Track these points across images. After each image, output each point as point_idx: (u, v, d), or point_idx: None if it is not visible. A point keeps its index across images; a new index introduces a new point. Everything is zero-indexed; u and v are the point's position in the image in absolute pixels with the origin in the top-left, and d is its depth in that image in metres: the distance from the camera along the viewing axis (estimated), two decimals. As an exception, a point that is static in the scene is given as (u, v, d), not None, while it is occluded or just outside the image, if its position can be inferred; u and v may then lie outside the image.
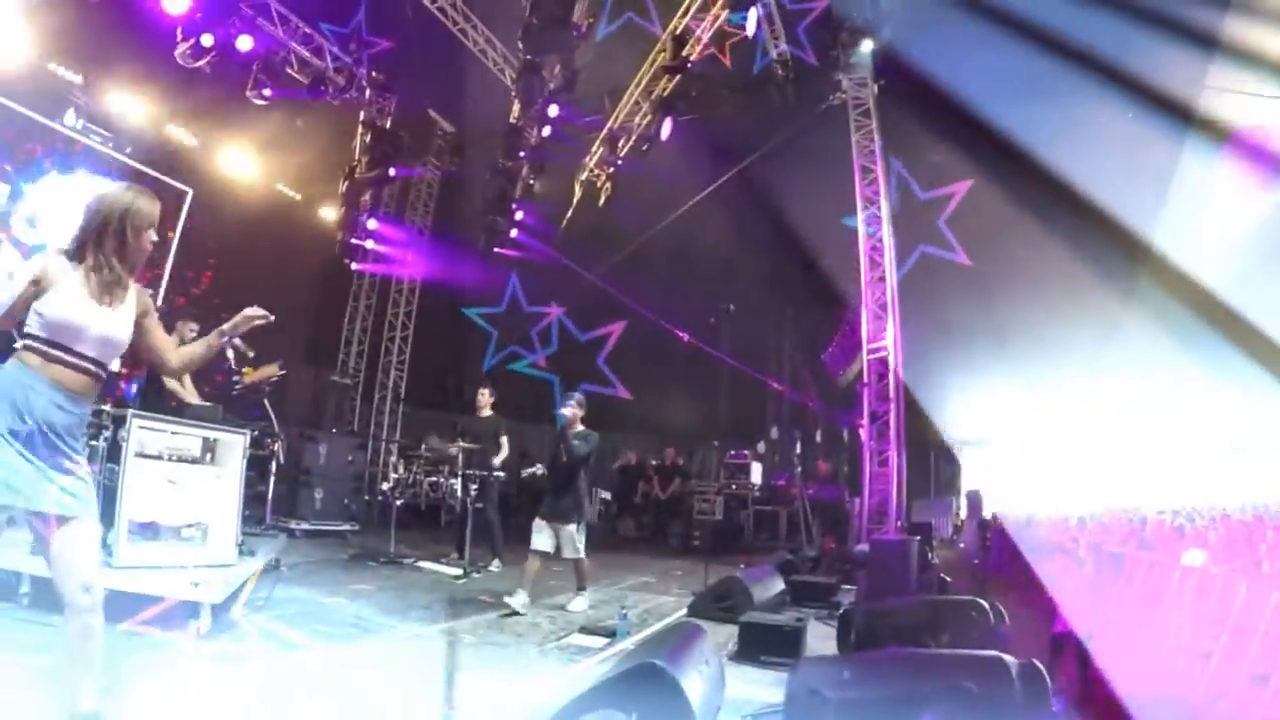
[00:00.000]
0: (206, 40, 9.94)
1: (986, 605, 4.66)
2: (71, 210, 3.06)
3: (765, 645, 5.67)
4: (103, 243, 2.85)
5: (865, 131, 12.37)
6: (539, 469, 7.21)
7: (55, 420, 2.70)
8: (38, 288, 2.73)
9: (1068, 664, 6.62)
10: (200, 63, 9.99)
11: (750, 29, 10.77)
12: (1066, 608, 6.81)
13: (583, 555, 7.05)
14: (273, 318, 3.23)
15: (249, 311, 3.19)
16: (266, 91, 11.12)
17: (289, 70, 11.62)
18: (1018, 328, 14.64)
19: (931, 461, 16.25)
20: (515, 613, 6.40)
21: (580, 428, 7.15)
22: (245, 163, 12.69)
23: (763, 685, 4.89)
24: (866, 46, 11.95)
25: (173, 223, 11.31)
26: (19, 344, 2.74)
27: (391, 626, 5.77)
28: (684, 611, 7.27)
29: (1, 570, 4.49)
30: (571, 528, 6.97)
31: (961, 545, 13.43)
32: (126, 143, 10.50)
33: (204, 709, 3.67)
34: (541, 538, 6.95)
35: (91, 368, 2.80)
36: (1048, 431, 15.48)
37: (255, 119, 11.72)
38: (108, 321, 2.82)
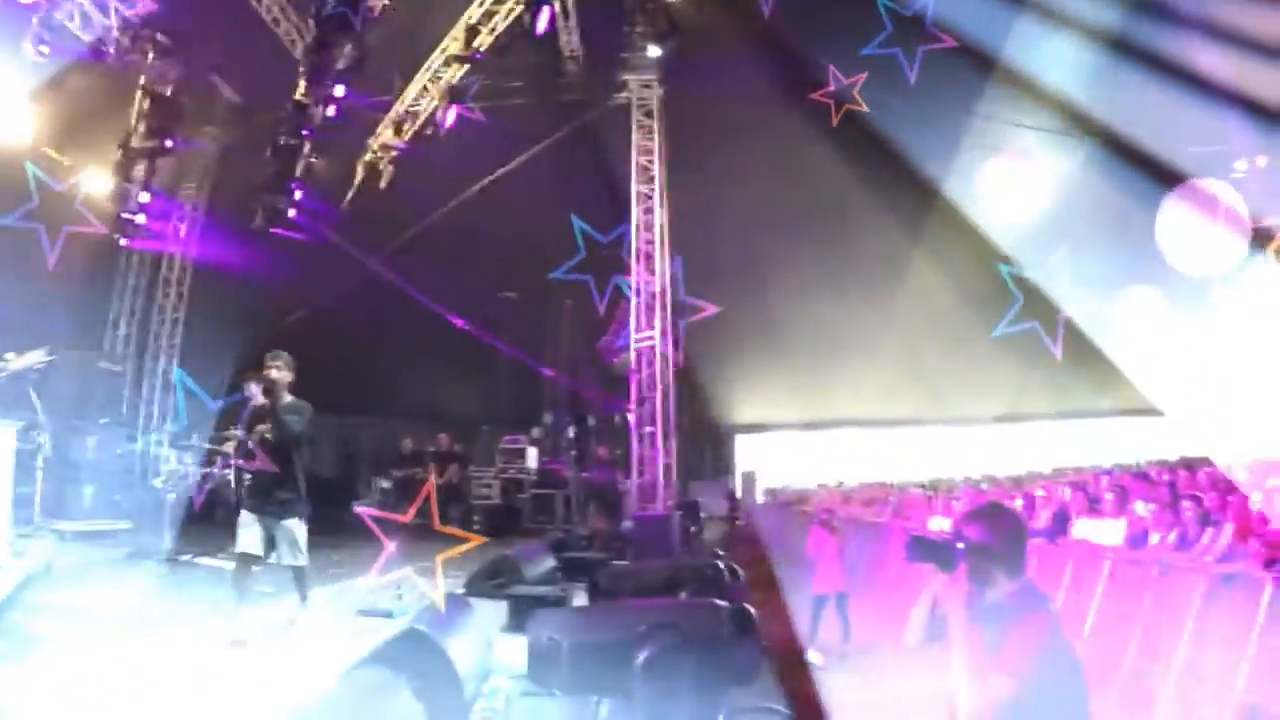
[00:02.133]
0: None
1: (723, 566, 5.29)
2: None
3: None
4: None
5: (646, 131, 13.01)
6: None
7: None
8: None
9: (829, 621, 7.59)
10: None
11: (541, 26, 11.09)
12: (825, 573, 7.79)
13: (305, 561, 5.83)
14: None
15: None
16: (45, 48, 10.15)
17: (70, 25, 10.68)
18: (790, 319, 16.08)
19: (709, 446, 17.43)
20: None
21: (290, 398, 5.88)
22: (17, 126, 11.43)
23: (532, 652, 5.32)
24: (654, 52, 12.51)
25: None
26: None
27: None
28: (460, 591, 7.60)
29: None
30: (292, 523, 5.74)
31: (738, 522, 14.63)
32: None
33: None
34: (249, 535, 5.67)
35: None
36: (818, 414, 17.07)
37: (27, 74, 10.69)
38: None
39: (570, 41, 12.66)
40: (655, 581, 5.49)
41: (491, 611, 6.39)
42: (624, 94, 13.07)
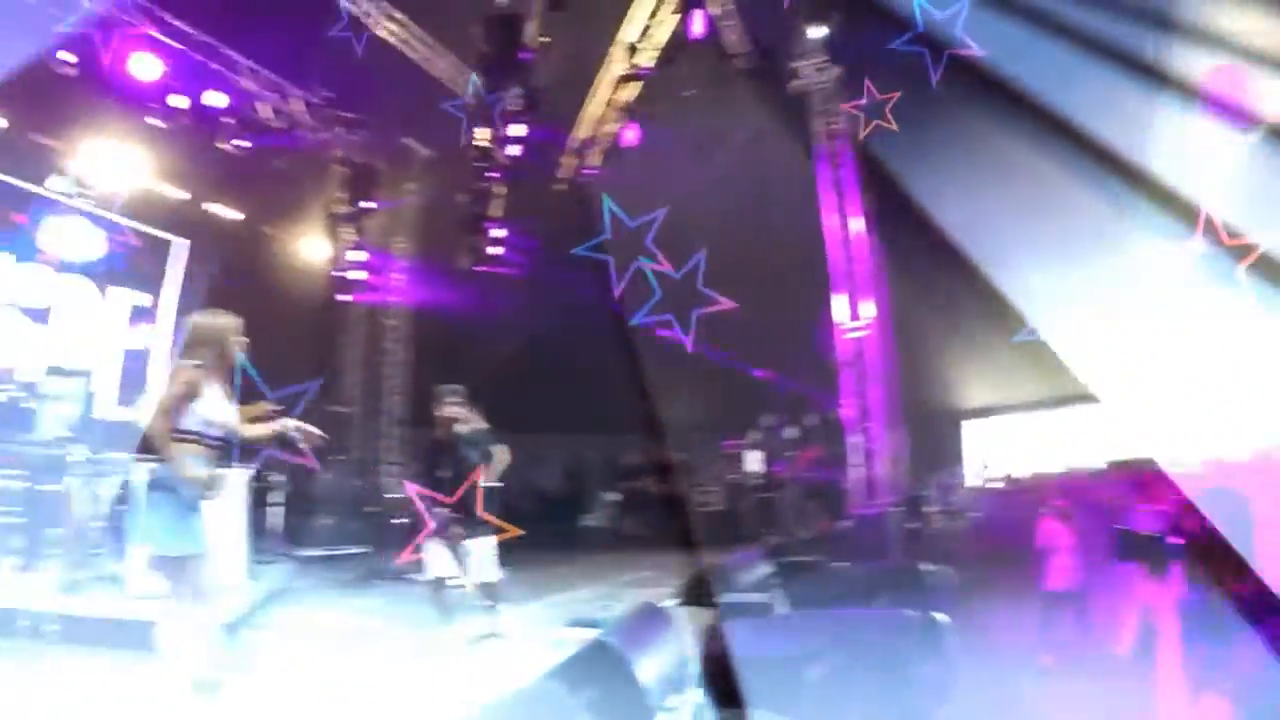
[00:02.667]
0: (179, 102, 10.41)
1: (931, 569, 4.89)
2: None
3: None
4: None
5: (828, 115, 12.51)
6: None
7: None
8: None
9: (1063, 621, 6.83)
10: (173, 123, 10.44)
11: (697, 30, 11.00)
12: (1057, 567, 7.00)
13: (496, 576, 6.13)
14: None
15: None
16: (242, 142, 11.56)
17: (261, 119, 12.06)
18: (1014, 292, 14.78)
19: (936, 434, 16.39)
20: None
21: (467, 429, 6.23)
22: (234, 208, 13.05)
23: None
24: (818, 32, 12.03)
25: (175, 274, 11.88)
26: None
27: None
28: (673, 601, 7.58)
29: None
30: (478, 543, 6.04)
31: (971, 514, 13.61)
32: (116, 202, 10.99)
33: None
34: (437, 559, 6.06)
35: None
36: (1051, 393, 15.60)
37: (238, 165, 12.11)
38: None
39: (735, 39, 12.43)
40: (854, 588, 5.16)
41: (703, 620, 6.32)
42: (799, 81, 12.67)
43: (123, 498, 6.33)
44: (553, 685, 3.75)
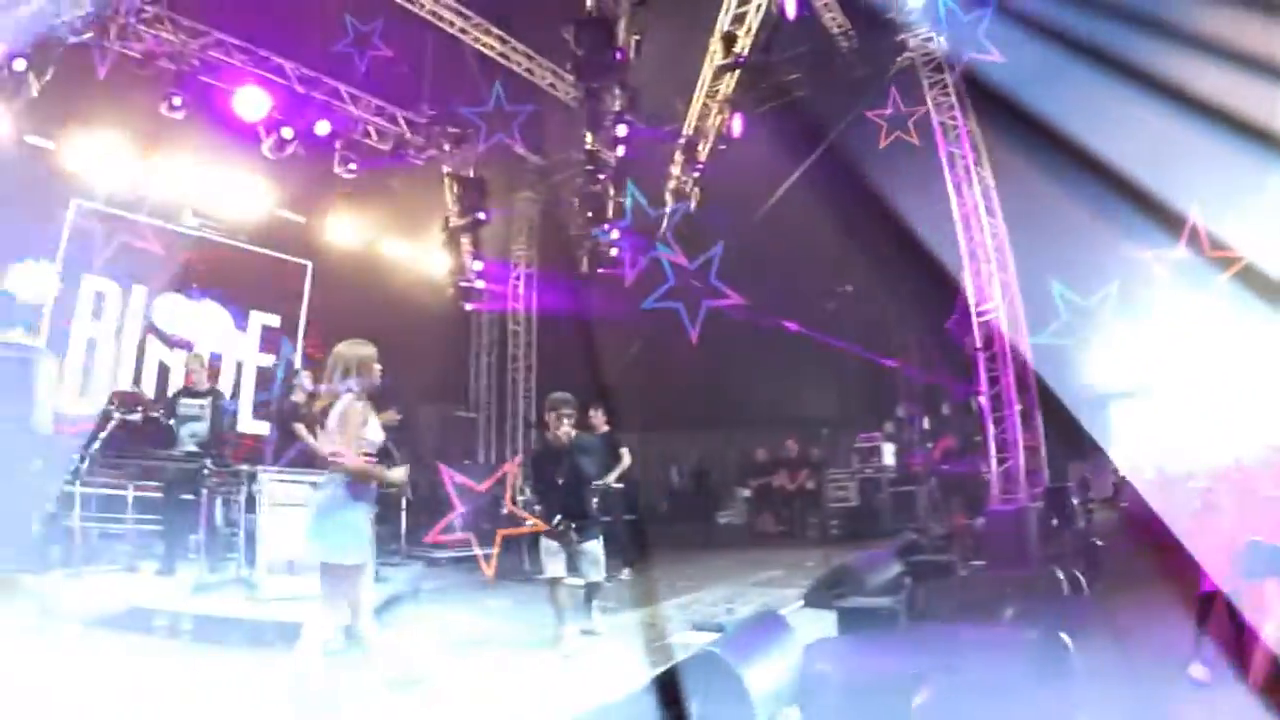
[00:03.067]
0: (287, 133, 11.12)
1: (1062, 576, 4.55)
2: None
3: (865, 630, 5.69)
4: None
5: (941, 88, 11.92)
6: None
7: None
8: None
9: (1217, 625, 6.21)
10: (285, 153, 11.11)
11: (791, 12, 10.70)
12: (1213, 566, 6.37)
13: (602, 576, 6.40)
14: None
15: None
16: (352, 165, 12.16)
17: (368, 141, 12.67)
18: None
19: (1085, 420, 15.39)
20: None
21: (574, 434, 6.38)
22: (353, 229, 13.80)
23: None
24: (919, 0, 11.40)
25: (300, 295, 12.67)
26: None
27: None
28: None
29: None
30: (591, 545, 6.27)
31: (1118, 506, 12.77)
32: (240, 231, 11.82)
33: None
34: (553, 561, 6.21)
35: None
36: (1202, 372, 14.37)
37: (353, 188, 12.81)
38: None
39: (834, 18, 12.03)
40: (983, 596, 4.87)
41: (816, 628, 6.12)
42: (907, 54, 12.12)
43: (252, 506, 6.74)
44: (658, 694, 3.70)
